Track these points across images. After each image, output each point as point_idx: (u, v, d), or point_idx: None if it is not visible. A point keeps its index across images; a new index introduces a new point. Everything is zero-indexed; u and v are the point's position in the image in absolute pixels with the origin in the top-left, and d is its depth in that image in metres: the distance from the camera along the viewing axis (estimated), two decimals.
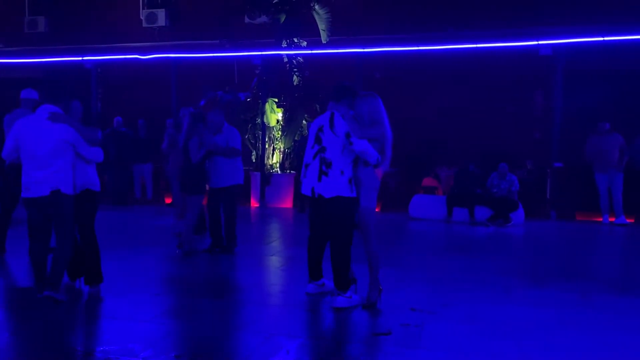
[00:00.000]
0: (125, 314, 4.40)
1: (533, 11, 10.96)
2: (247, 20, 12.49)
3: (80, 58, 12.64)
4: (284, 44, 11.26)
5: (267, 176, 11.21)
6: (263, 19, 11.83)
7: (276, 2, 11.07)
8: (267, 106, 11.09)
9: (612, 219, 9.58)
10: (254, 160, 11.60)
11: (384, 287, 4.90)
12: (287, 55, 11.28)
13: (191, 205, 6.55)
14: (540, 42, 10.39)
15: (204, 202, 6.94)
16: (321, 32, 11.10)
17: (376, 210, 4.78)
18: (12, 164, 5.56)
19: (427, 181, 10.98)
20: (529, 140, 11.45)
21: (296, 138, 11.30)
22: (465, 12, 11.48)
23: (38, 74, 12.78)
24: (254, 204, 11.29)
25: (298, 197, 10.87)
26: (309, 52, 11.30)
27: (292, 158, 11.48)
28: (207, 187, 6.77)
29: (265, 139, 11.35)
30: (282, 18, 11.15)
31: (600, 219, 9.69)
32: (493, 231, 8.92)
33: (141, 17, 13.39)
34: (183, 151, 6.55)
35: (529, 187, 10.13)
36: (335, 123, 4.56)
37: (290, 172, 11.43)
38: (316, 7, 11.00)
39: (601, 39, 10.04)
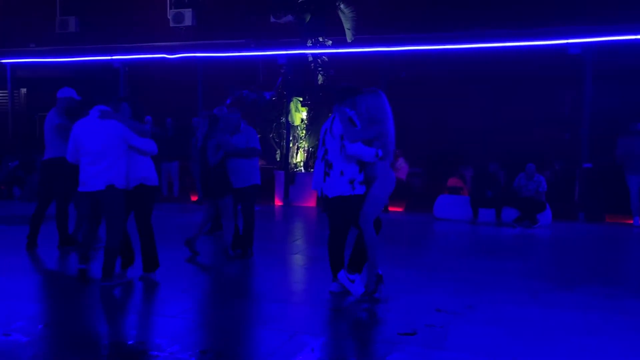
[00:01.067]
0: (153, 309, 4.48)
1: (562, 9, 10.77)
2: (272, 19, 12.56)
3: (109, 57, 12.87)
4: (309, 43, 11.29)
5: (291, 175, 11.25)
6: (288, 18, 11.88)
7: (301, 2, 11.10)
8: (292, 105, 11.13)
9: None
10: (278, 159, 11.66)
11: (408, 288, 4.90)
12: (312, 54, 11.30)
13: (224, 208, 6.42)
14: (570, 41, 10.18)
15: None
16: (346, 31, 11.09)
17: (388, 206, 4.84)
18: (52, 162, 6.06)
19: (453, 181, 10.88)
20: (557, 141, 11.25)
21: None
22: (492, 11, 11.35)
23: (69, 74, 13.06)
24: (278, 202, 11.35)
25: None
26: (334, 51, 11.30)
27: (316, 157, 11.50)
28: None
29: (289, 138, 11.39)
30: (308, 17, 11.18)
31: (631, 222, 9.47)
32: (519, 233, 8.80)
33: (168, 16, 13.59)
34: (200, 155, 6.38)
35: (556, 188, 9.96)
36: (333, 126, 4.76)
37: (314, 170, 11.45)
38: (342, 6, 10.99)
39: (632, 37, 9.81)
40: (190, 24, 13.37)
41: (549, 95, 11.48)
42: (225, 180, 6.31)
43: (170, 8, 13.71)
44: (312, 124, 11.29)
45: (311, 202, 11.21)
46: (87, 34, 14.22)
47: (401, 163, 10.87)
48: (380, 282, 4.72)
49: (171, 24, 13.48)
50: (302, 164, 11.51)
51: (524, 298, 5.00)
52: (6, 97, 14.36)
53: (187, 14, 13.37)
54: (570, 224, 9.66)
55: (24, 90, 15.07)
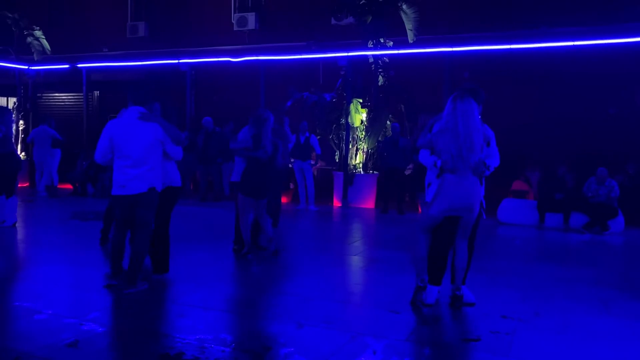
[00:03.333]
0: (217, 305, 4.61)
1: (635, 4, 10.20)
2: (333, 21, 12.63)
3: (176, 61, 13.35)
4: (370, 45, 11.26)
5: (350, 176, 11.26)
6: (349, 20, 11.91)
7: (363, 3, 11.09)
8: (352, 107, 11.14)
9: None
10: (337, 160, 11.71)
11: (474, 293, 4.79)
12: (372, 55, 11.27)
13: (276, 206, 6.48)
14: None
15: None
16: (408, 31, 10.98)
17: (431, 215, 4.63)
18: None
19: (517, 185, 10.55)
20: (630, 143, 10.65)
21: (380, 138, 11.27)
22: (559, 8, 10.91)
23: (140, 77, 13.65)
24: (337, 203, 11.39)
25: (381, 197, 10.84)
26: (396, 52, 11.22)
27: (376, 158, 11.46)
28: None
29: (349, 139, 11.41)
30: (369, 19, 11.15)
31: None
32: (589, 239, 8.42)
33: (232, 20, 13.92)
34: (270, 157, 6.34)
35: (630, 193, 9.44)
36: None
37: (373, 172, 11.42)
38: (404, 6, 10.89)
39: None
40: (253, 27, 13.64)
41: (622, 95, 10.90)
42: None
43: (235, 12, 14.04)
44: (371, 125, 11.26)
45: (370, 204, 11.18)
46: (155, 38, 14.81)
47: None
48: (422, 289, 4.62)
49: (235, 28, 13.81)
50: (360, 165, 11.50)
51: (594, 307, 4.78)
52: (81, 100, 15.18)
53: (251, 17, 13.66)
54: None
55: (97, 92, 15.88)
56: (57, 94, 16.43)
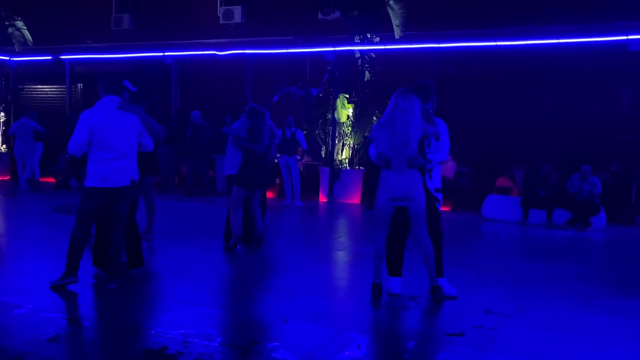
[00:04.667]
0: (202, 300, 4.57)
1: (621, 3, 10.31)
2: (320, 16, 12.57)
3: (161, 54, 13.21)
4: (357, 40, 11.24)
5: (336, 172, 11.25)
6: (336, 14, 11.87)
7: None
8: (338, 102, 11.12)
9: None
10: (323, 156, 11.69)
11: (457, 288, 4.83)
12: (359, 51, 11.26)
13: (263, 200, 6.56)
14: (630, 37, 9.75)
15: None
16: (395, 27, 10.98)
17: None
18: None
19: (502, 181, 10.62)
20: (614, 141, 10.79)
21: (366, 134, 11.26)
22: (546, 7, 10.98)
23: (124, 69, 13.48)
24: (322, 199, 11.38)
25: (366, 193, 10.85)
26: (382, 47, 11.21)
27: (362, 154, 11.46)
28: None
29: (335, 134, 11.39)
30: (355, 13, 11.13)
31: None
32: (572, 235, 8.52)
33: (218, 14, 13.80)
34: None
35: (612, 191, 9.57)
36: None
37: (359, 168, 11.42)
38: (390, 2, 10.88)
39: None
40: (239, 21, 13.55)
41: (606, 93, 11.02)
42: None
43: (220, 5, 13.92)
44: (358, 120, 11.26)
45: (355, 199, 11.19)
46: (140, 31, 14.63)
47: (448, 161, 10.69)
48: (376, 287, 4.71)
49: (221, 21, 13.70)
50: (347, 160, 11.50)
51: (577, 303, 4.84)
52: (64, 92, 14.96)
53: (237, 11, 13.55)
54: (625, 228, 9.28)
55: (80, 85, 15.65)
56: (39, 86, 16.17)
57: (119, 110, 4.64)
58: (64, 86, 14.82)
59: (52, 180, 12.52)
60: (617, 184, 10.00)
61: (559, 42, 10.16)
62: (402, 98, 4.55)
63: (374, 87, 11.36)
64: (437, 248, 4.78)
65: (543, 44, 10.30)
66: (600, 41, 9.94)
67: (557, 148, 10.66)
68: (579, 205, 8.88)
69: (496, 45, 10.55)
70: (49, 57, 14.32)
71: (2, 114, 14.62)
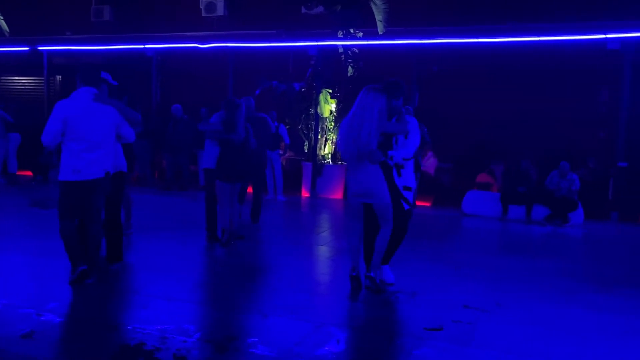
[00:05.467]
0: (180, 295, 4.53)
1: (601, 3, 10.44)
2: (303, 10, 12.50)
3: (142, 46, 13.02)
4: (340, 35, 11.22)
5: (318, 167, 11.24)
6: (319, 9, 11.82)
7: None
8: (321, 97, 11.10)
9: None
10: (306, 151, 11.66)
11: (436, 283, 4.87)
12: (342, 46, 11.24)
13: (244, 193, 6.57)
14: (608, 36, 9.88)
15: None
16: (378, 23, 10.97)
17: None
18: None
19: (482, 177, 10.72)
20: (592, 138, 10.95)
21: None
22: (527, 4, 11.07)
23: (103, 61, 13.27)
24: (305, 194, 11.37)
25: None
26: (365, 42, 11.20)
27: None
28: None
29: (318, 129, 11.37)
30: (338, 8, 11.10)
31: None
32: (550, 231, 8.63)
33: (200, 6, 13.64)
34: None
35: (590, 187, 9.71)
36: None
37: (341, 163, 11.42)
38: None
39: None
40: (222, 13, 13.40)
41: (585, 91, 11.16)
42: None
43: None
44: (341, 116, 11.24)
45: (338, 194, 11.19)
46: (121, 23, 14.40)
47: (429, 157, 10.76)
48: (355, 279, 4.80)
49: (203, 14, 13.54)
50: (329, 156, 11.49)
51: (555, 297, 4.90)
52: (42, 84, 14.69)
53: (219, 3, 13.40)
54: (602, 224, 9.43)
55: (59, 77, 15.38)
56: (16, 78, 15.85)
57: (94, 101, 4.58)
58: (42, 78, 14.55)
59: (29, 173, 12.30)
60: (595, 181, 10.16)
61: (539, 40, 10.25)
62: (365, 95, 4.60)
63: (357, 82, 11.33)
64: (396, 240, 4.85)
65: (524, 41, 10.38)
66: (580, 39, 10.05)
67: (537, 145, 10.78)
68: (557, 202, 9.00)
69: (478, 42, 10.61)
70: (26, 48, 14.03)
71: None
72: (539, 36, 10.22)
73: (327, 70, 11.30)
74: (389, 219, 4.67)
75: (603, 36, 9.90)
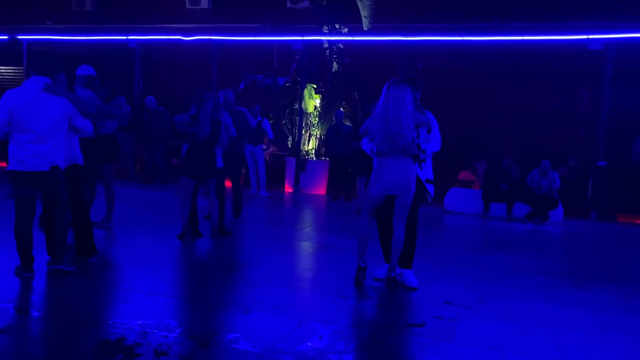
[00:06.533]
0: (161, 290, 4.49)
1: (584, 4, 10.57)
2: (289, 5, 12.44)
3: (124, 37, 12.84)
4: (325, 30, 11.19)
5: (302, 162, 11.22)
6: (305, 4, 11.77)
7: None
8: (306, 92, 11.07)
9: None
10: (289, 146, 11.63)
11: (418, 280, 4.87)
12: (327, 41, 11.21)
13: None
14: (591, 37, 10.01)
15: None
16: (363, 19, 10.97)
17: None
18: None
19: (464, 175, 10.81)
20: (573, 138, 11.11)
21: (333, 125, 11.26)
22: (512, 4, 11.16)
23: (85, 52, 13.06)
24: (288, 189, 11.34)
25: (332, 184, 10.85)
26: (350, 38, 11.19)
27: (328, 145, 11.45)
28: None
29: (302, 124, 11.34)
30: (324, 2, 11.07)
31: None
32: (531, 228, 8.73)
33: None
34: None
35: (570, 186, 9.86)
36: None
37: (325, 159, 11.41)
38: None
39: None
40: (206, 6, 13.26)
41: (566, 91, 11.31)
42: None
43: None
44: (325, 111, 11.23)
45: (321, 190, 11.18)
46: (103, 13, 14.16)
47: None
48: (362, 270, 4.77)
49: (187, 6, 13.39)
50: (313, 151, 11.47)
51: (535, 294, 4.96)
52: (21, 74, 14.40)
53: None
54: (582, 222, 9.57)
55: None
56: None
57: (43, 91, 4.42)
58: (21, 67, 14.26)
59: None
60: (575, 180, 10.30)
61: (522, 39, 10.35)
62: (393, 88, 4.59)
63: (341, 78, 11.35)
64: (412, 239, 4.85)
65: (508, 40, 10.47)
66: (563, 39, 10.18)
67: (518, 143, 10.90)
68: (538, 200, 9.11)
69: (462, 40, 10.67)
70: (5, 37, 13.74)
71: None
72: (523, 35, 10.32)
73: (312, 66, 11.27)
74: (406, 214, 4.68)
75: (585, 37, 10.03)
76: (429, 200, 4.96)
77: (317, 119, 11.34)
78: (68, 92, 4.64)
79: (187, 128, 6.12)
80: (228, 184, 7.29)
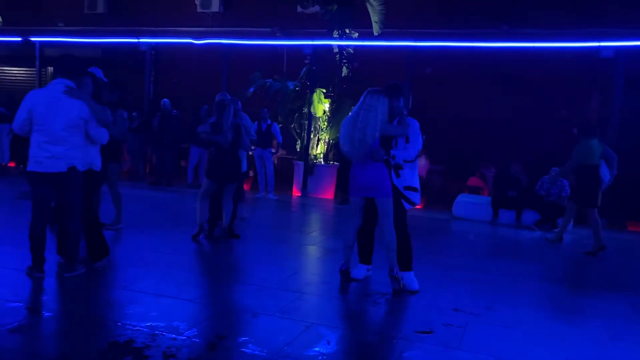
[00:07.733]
0: (170, 292, 4.51)
1: (596, 11, 10.53)
2: (299, 9, 12.50)
3: (136, 40, 12.94)
4: (335, 34, 11.22)
5: (310, 166, 11.23)
6: (315, 8, 11.82)
7: None
8: (315, 96, 11.09)
9: None
10: (298, 150, 11.65)
11: (426, 286, 4.89)
12: (337, 45, 11.23)
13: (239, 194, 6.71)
14: (602, 44, 9.96)
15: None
16: (373, 24, 10.99)
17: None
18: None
19: (473, 181, 10.78)
20: None
21: None
22: (521, 10, 11.14)
23: (97, 53, 13.17)
24: (296, 193, 11.35)
25: (340, 188, 10.86)
26: (360, 43, 11.21)
27: (337, 149, 11.47)
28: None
29: (310, 128, 11.36)
30: (334, 8, 11.10)
31: None
32: (540, 236, 8.69)
33: (196, 2, 13.58)
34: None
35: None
36: None
37: (333, 163, 11.42)
38: None
39: None
40: (217, 10, 13.36)
41: (577, 98, 11.26)
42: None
43: None
44: (334, 116, 11.25)
45: (329, 194, 11.19)
46: (114, 15, 14.29)
47: (421, 159, 10.79)
48: (345, 274, 5.05)
49: (198, 9, 13.49)
50: (322, 155, 11.49)
51: (544, 302, 4.94)
52: (34, 75, 14.54)
53: (215, 0, 13.36)
54: (591, 230, 9.47)
55: (50, 68, 15.22)
56: (7, 68, 15.69)
57: (64, 94, 4.46)
58: (34, 69, 14.41)
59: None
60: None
61: (533, 46, 10.32)
62: (369, 97, 4.79)
63: (351, 82, 11.36)
64: (405, 244, 4.95)
65: (517, 46, 10.45)
66: (573, 47, 10.14)
67: (528, 149, 10.86)
68: (547, 207, 9.06)
69: (471, 46, 10.66)
70: (19, 39, 13.88)
71: None
72: (532, 42, 10.29)
73: (321, 70, 11.30)
74: (389, 214, 4.80)
75: (597, 44, 9.99)
76: (407, 207, 5.00)
77: (325, 124, 11.35)
78: (86, 97, 4.65)
79: (211, 137, 6.30)
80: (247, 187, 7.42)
